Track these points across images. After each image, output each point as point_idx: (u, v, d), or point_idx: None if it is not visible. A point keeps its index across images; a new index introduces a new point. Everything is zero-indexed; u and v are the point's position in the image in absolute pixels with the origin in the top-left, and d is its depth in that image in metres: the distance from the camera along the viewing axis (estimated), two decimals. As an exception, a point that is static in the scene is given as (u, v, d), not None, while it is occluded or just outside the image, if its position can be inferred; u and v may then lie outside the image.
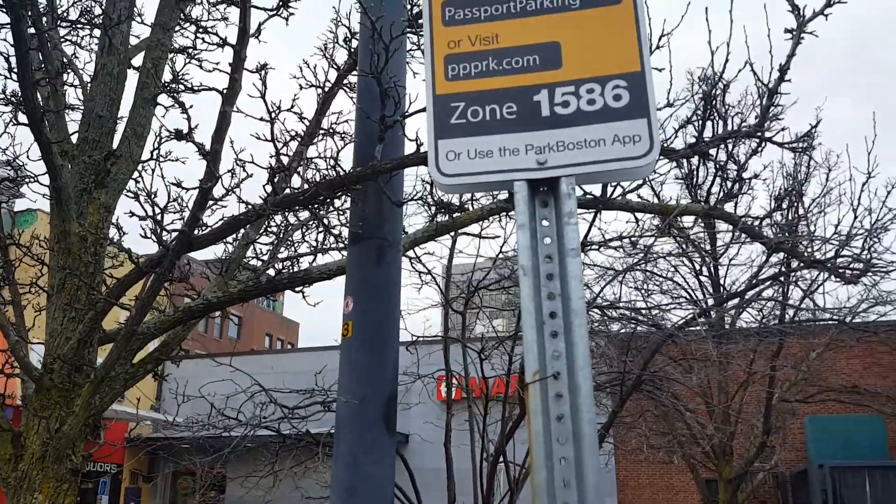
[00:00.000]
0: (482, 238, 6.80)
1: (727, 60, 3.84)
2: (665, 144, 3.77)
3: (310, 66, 6.59)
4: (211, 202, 4.77)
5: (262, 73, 4.36)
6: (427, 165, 4.43)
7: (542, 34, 2.00)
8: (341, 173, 4.29)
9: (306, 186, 4.35)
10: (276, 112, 4.24)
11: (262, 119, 4.22)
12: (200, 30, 6.34)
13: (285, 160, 5.17)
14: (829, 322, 9.61)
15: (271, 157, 4.38)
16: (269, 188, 4.47)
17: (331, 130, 6.93)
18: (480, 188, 2.06)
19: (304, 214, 6.69)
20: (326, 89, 6.64)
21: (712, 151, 4.54)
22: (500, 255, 6.60)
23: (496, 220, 6.50)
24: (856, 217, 6.22)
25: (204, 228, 4.74)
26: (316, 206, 4.55)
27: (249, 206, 4.56)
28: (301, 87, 6.33)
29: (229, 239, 6.47)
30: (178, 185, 4.63)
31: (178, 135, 4.21)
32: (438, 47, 2.03)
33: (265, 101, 4.15)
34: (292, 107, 4.38)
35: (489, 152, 1.91)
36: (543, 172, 1.88)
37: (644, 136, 1.86)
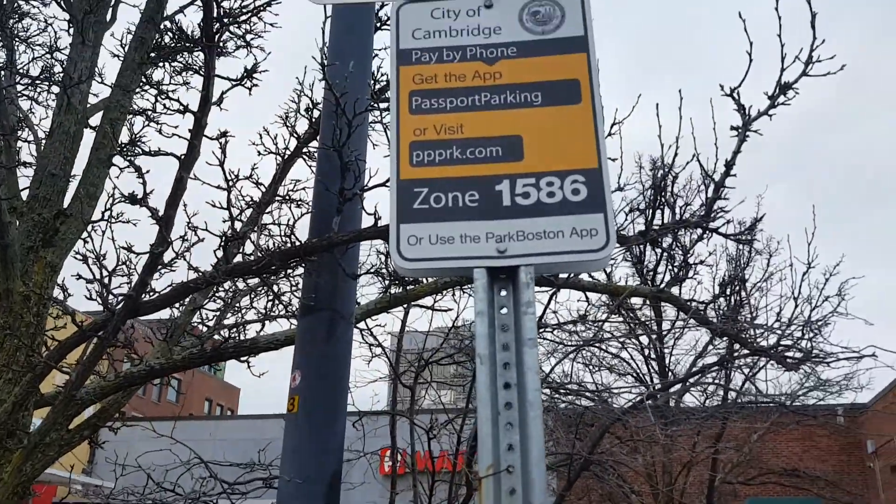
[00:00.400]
0: (435, 310, 6.81)
1: (676, 154, 4.01)
2: (617, 231, 3.88)
3: (269, 134, 6.56)
4: (161, 267, 4.70)
5: (223, 140, 4.38)
6: (384, 240, 4.47)
7: (506, 127, 2.07)
8: (296, 243, 4.28)
9: (259, 254, 4.32)
10: (234, 181, 4.24)
11: (218, 187, 4.21)
12: (161, 94, 6.36)
13: (239, 226, 5.14)
14: (770, 406, 9.79)
15: (224, 221, 4.36)
16: (220, 254, 4.43)
17: (287, 198, 6.93)
18: (440, 273, 2.08)
19: (254, 281, 6.62)
20: (286, 157, 6.67)
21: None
22: (453, 329, 6.60)
23: (449, 293, 6.53)
24: (796, 305, 6.44)
25: (151, 293, 4.65)
26: (267, 274, 4.52)
27: (200, 273, 4.50)
28: (260, 154, 6.35)
29: (176, 304, 6.34)
30: (129, 248, 4.55)
31: (133, 199, 4.17)
32: (404, 134, 2.07)
33: (223, 170, 4.15)
34: (251, 175, 4.39)
35: (450, 238, 1.94)
36: (503, 261, 1.92)
37: (601, 230, 1.92)
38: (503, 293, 1.94)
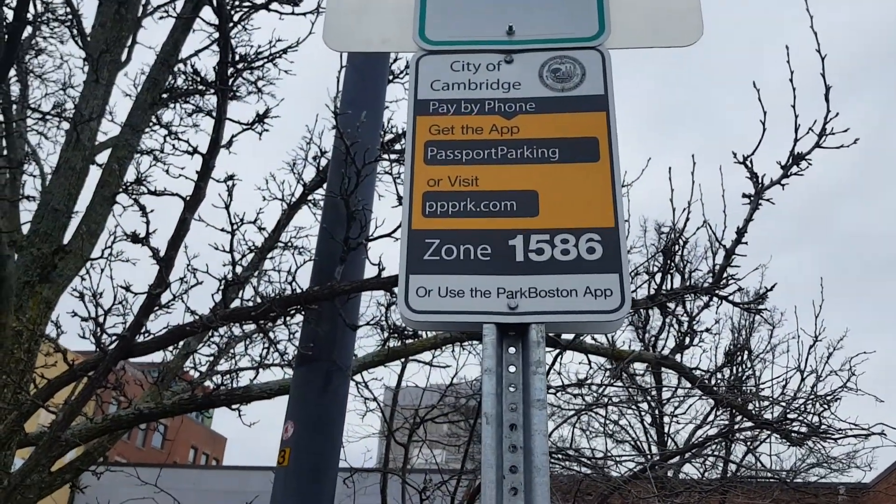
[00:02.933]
0: (433, 366, 6.69)
1: (688, 219, 3.97)
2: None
3: (276, 179, 6.49)
4: (157, 308, 4.62)
5: (230, 183, 4.35)
6: (387, 291, 4.39)
7: (521, 182, 2.02)
8: (297, 290, 4.21)
9: (259, 300, 4.25)
10: (238, 224, 4.19)
11: (223, 230, 4.16)
12: (171, 135, 6.36)
13: (240, 270, 5.07)
14: (771, 480, 9.57)
15: (225, 265, 4.30)
16: (218, 298, 4.35)
17: (290, 244, 6.88)
18: (449, 327, 2.01)
19: (250, 327, 6.52)
20: (291, 203, 6.64)
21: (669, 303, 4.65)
22: (451, 386, 6.47)
23: (448, 349, 6.42)
24: (802, 379, 6.32)
25: (146, 335, 4.56)
26: (265, 321, 4.43)
27: (197, 317, 4.41)
28: (265, 199, 6.32)
29: (170, 347, 6.23)
30: (126, 288, 4.48)
31: (135, 238, 4.12)
32: (418, 184, 2.03)
33: (228, 213, 4.11)
34: (256, 220, 4.35)
35: (460, 292, 1.88)
36: (514, 318, 1.85)
37: (616, 291, 1.85)
38: (512, 350, 1.87)
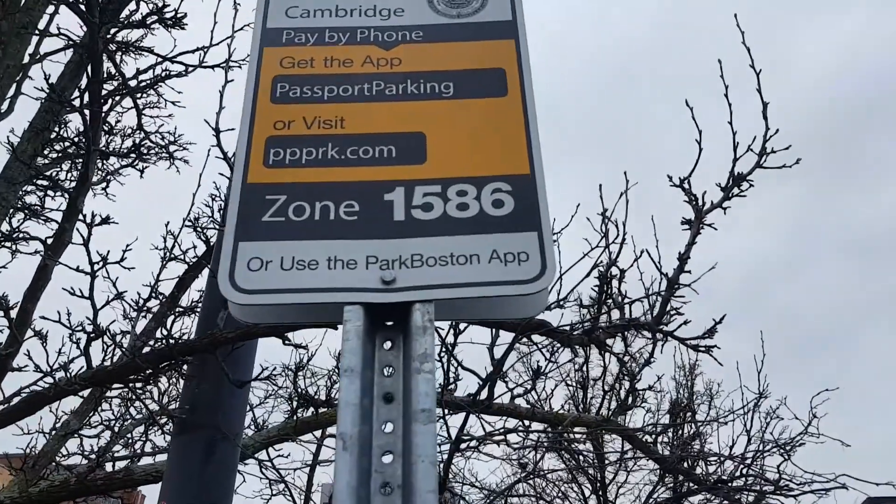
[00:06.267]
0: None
1: (623, 243, 3.51)
2: (559, 330, 3.28)
3: (176, 237, 5.76)
4: (8, 371, 3.87)
5: (95, 218, 3.69)
6: (281, 338, 3.74)
7: (403, 123, 1.49)
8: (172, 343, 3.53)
9: (124, 356, 3.55)
10: (102, 264, 3.51)
11: (77, 268, 3.49)
12: (51, 186, 5.69)
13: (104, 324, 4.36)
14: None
15: (88, 320, 3.58)
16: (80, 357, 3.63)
17: (191, 308, 6.17)
18: (292, 315, 1.41)
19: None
20: (191, 264, 5.97)
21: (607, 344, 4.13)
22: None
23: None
24: (749, 441, 5.86)
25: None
26: (136, 383, 3.71)
27: (53, 381, 3.67)
28: (162, 261, 5.65)
29: (44, 427, 5.41)
30: (-35, 347, 3.73)
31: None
32: (260, 126, 1.47)
33: (87, 250, 3.43)
34: (123, 258, 3.67)
35: (313, 263, 1.30)
36: (390, 295, 1.28)
37: (534, 255, 1.31)
38: (387, 345, 1.29)
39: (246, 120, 1.48)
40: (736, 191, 3.82)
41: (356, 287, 1.28)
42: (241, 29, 3.87)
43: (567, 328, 3.30)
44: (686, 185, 3.79)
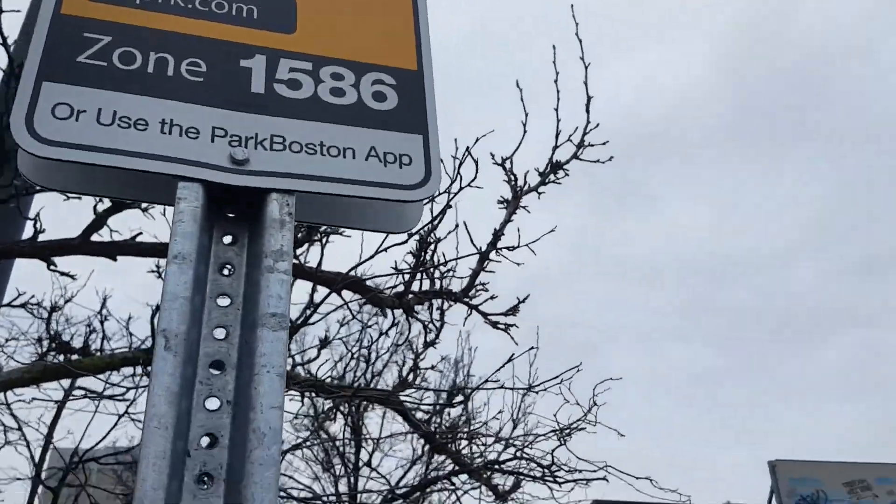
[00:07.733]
0: (104, 398, 5.32)
1: (442, 214, 3.41)
2: (371, 291, 3.11)
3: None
4: None
5: None
6: (45, 261, 3.20)
7: (271, -18, 1.23)
8: None
9: None
10: None
11: None
12: None
13: None
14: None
15: None
16: None
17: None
18: (106, 185, 1.10)
19: None
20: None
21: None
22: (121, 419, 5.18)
23: (129, 376, 5.11)
24: (515, 426, 6.06)
25: None
26: None
27: None
28: None
29: None
30: None
31: None
32: (84, -54, 1.14)
33: None
34: None
35: (141, 122, 1.02)
36: (242, 178, 1.04)
37: (418, 159, 1.13)
38: (227, 240, 1.04)
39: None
40: (552, 177, 3.88)
41: (196, 161, 1.02)
42: None
43: (381, 292, 3.14)
44: (507, 165, 3.79)
